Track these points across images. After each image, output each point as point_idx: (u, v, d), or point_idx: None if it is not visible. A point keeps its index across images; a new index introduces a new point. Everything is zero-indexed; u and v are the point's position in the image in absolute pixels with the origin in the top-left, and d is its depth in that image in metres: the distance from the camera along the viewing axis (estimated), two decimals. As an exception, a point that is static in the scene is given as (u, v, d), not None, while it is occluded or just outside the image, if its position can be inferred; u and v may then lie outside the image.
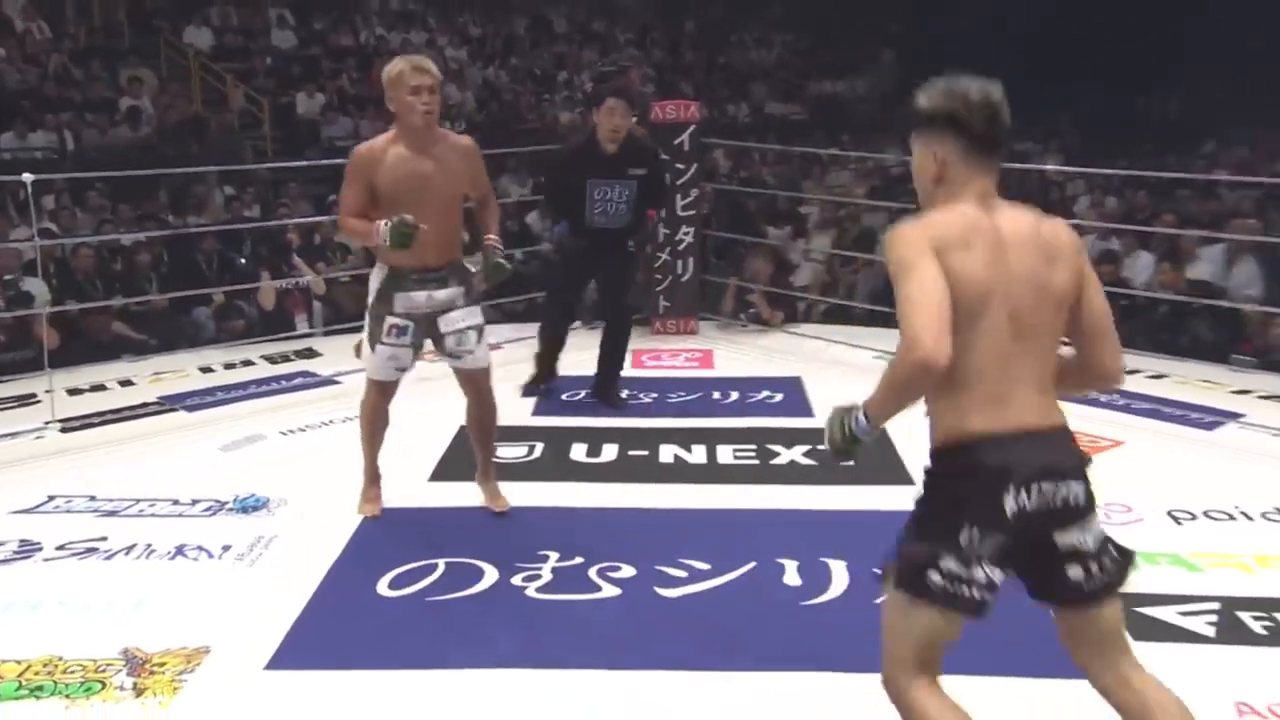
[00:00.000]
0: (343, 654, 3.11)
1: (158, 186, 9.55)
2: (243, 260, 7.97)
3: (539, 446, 4.82)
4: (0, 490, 4.38)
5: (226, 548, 3.82)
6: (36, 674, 2.99)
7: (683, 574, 3.58)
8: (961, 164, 2.07)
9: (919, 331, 1.91)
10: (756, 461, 4.69)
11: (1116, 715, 2.14)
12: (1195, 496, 4.11)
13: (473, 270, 3.97)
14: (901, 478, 4.14)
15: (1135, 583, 2.19)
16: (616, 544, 3.77)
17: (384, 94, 3.81)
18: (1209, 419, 5.16)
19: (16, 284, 6.74)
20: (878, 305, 7.16)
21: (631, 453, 4.78)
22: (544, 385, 5.64)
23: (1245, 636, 3.16)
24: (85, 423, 5.27)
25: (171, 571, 3.65)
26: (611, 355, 5.54)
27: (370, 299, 3.90)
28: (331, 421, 5.17)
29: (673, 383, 5.90)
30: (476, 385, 3.98)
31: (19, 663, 3.04)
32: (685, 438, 4.92)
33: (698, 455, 4.75)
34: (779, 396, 5.65)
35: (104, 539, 3.89)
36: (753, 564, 3.64)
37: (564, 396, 5.60)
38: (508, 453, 4.56)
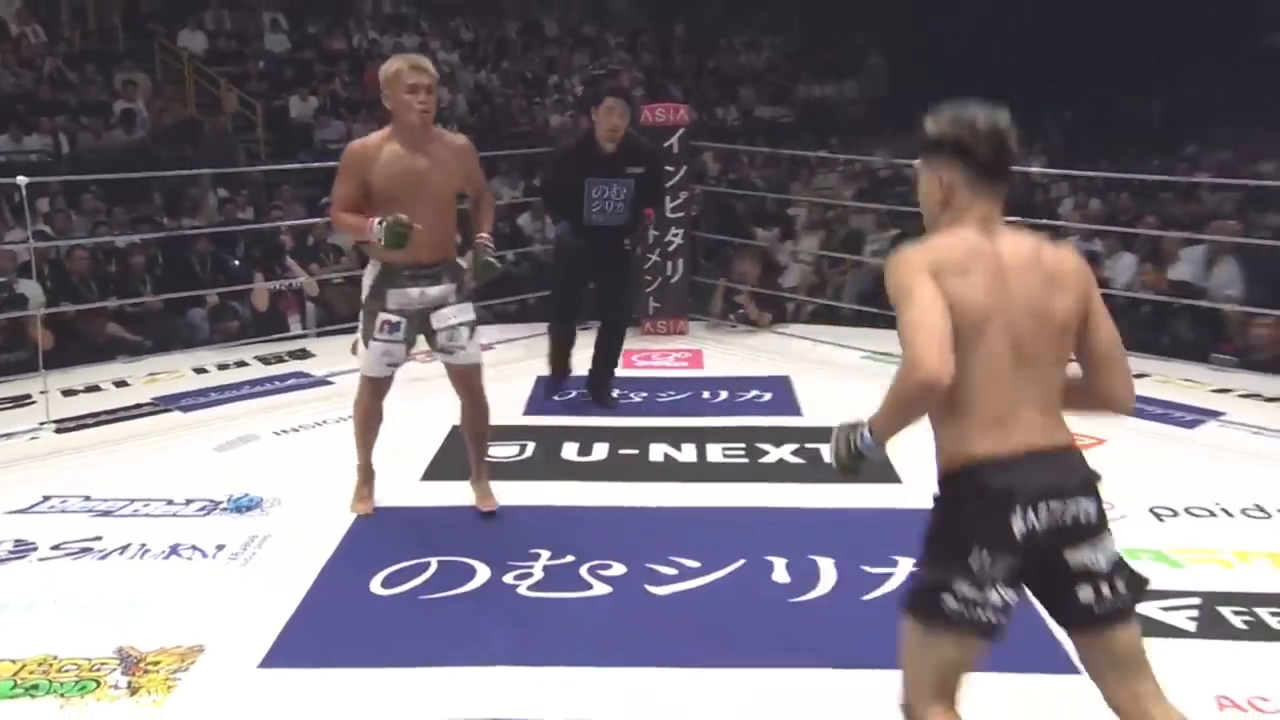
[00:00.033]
0: (336, 652, 3.13)
1: (152, 189, 9.58)
2: (236, 262, 8.01)
3: (530, 446, 4.85)
4: (-5, 491, 4.40)
5: (220, 547, 3.84)
6: (31, 673, 3.01)
7: (673, 572, 3.60)
8: (966, 190, 2.08)
9: (921, 351, 1.92)
10: (746, 460, 4.72)
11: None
12: (1176, 493, 4.16)
13: (463, 267, 4.00)
14: (888, 476, 4.17)
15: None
16: (607, 542, 3.80)
17: (378, 95, 3.84)
18: (1190, 417, 5.21)
19: (11, 286, 6.76)
20: (865, 306, 7.22)
21: (622, 452, 4.81)
22: (560, 385, 5.66)
23: (1225, 631, 3.20)
24: (80, 423, 5.29)
25: (166, 571, 3.67)
26: (606, 355, 5.57)
27: (364, 296, 3.93)
28: (325, 422, 5.19)
29: (663, 382, 5.93)
30: (468, 382, 4.00)
31: (14, 662, 3.06)
32: (675, 437, 4.96)
33: (687, 454, 4.78)
34: (767, 396, 5.69)
35: (99, 539, 3.91)
36: (742, 561, 3.66)
37: (555, 396, 5.64)
38: (499, 452, 4.58)
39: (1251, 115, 12.73)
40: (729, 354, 6.61)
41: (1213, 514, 4.08)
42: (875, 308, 6.95)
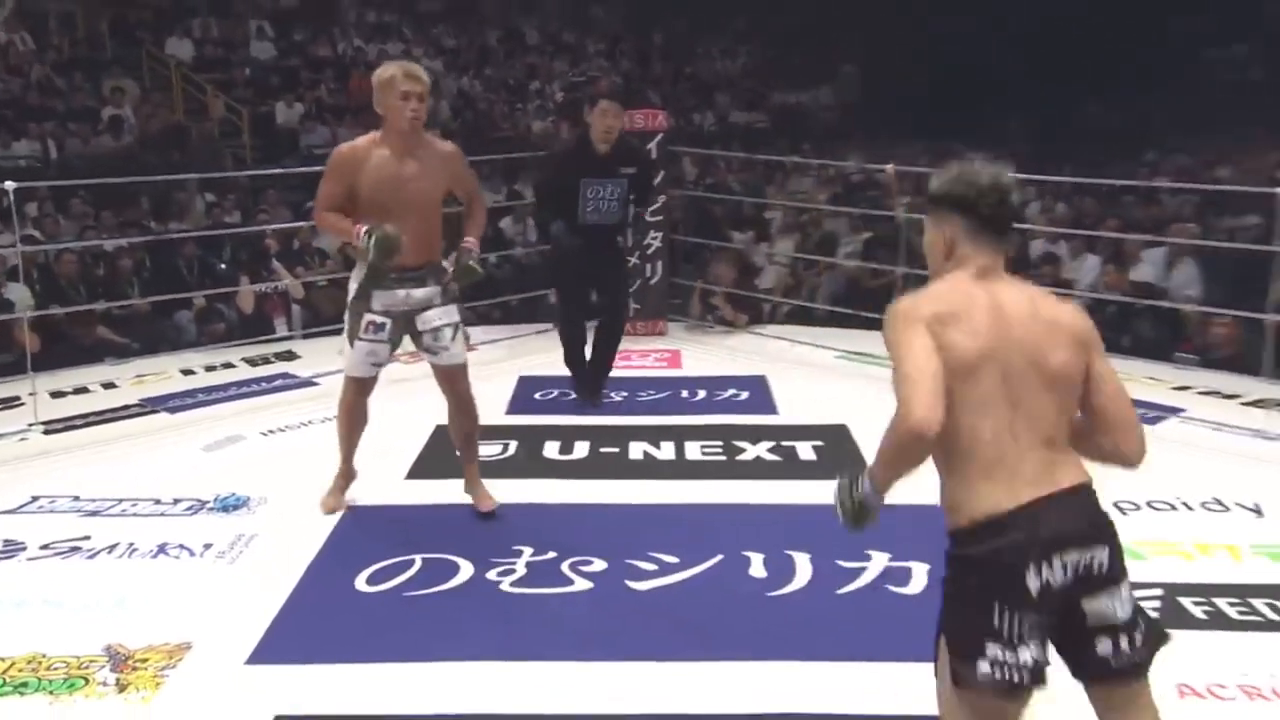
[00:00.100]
0: (322, 648, 3.17)
1: (140, 194, 9.59)
2: (223, 265, 8.07)
3: (513, 444, 4.91)
4: (-15, 492, 4.42)
5: (208, 546, 3.88)
6: (21, 671, 3.05)
7: (652, 567, 3.66)
8: (969, 242, 2.13)
9: (910, 403, 1.97)
10: (723, 457, 4.79)
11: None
12: (1139, 488, 4.20)
13: (447, 270, 4.04)
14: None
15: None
16: (588, 539, 3.86)
17: (363, 101, 3.89)
18: (1152, 414, 5.26)
19: (-2, 289, 6.80)
20: (839, 307, 7.32)
21: (603, 450, 4.87)
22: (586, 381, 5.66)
23: (1186, 621, 3.27)
24: (68, 425, 5.32)
25: (153, 570, 3.71)
26: (604, 353, 5.64)
27: (349, 297, 3.98)
28: (310, 422, 5.23)
29: (642, 382, 5.99)
30: (453, 382, 4.05)
31: (3, 660, 3.10)
32: (654, 435, 5.02)
33: (666, 452, 4.85)
34: (745, 395, 5.76)
35: (87, 538, 3.95)
36: (720, 557, 3.72)
37: (537, 395, 5.71)
38: (483, 450, 4.61)
39: (1207, 123, 12.91)
40: (707, 354, 6.68)
41: (1174, 507, 4.17)
42: (849, 309, 7.07)
